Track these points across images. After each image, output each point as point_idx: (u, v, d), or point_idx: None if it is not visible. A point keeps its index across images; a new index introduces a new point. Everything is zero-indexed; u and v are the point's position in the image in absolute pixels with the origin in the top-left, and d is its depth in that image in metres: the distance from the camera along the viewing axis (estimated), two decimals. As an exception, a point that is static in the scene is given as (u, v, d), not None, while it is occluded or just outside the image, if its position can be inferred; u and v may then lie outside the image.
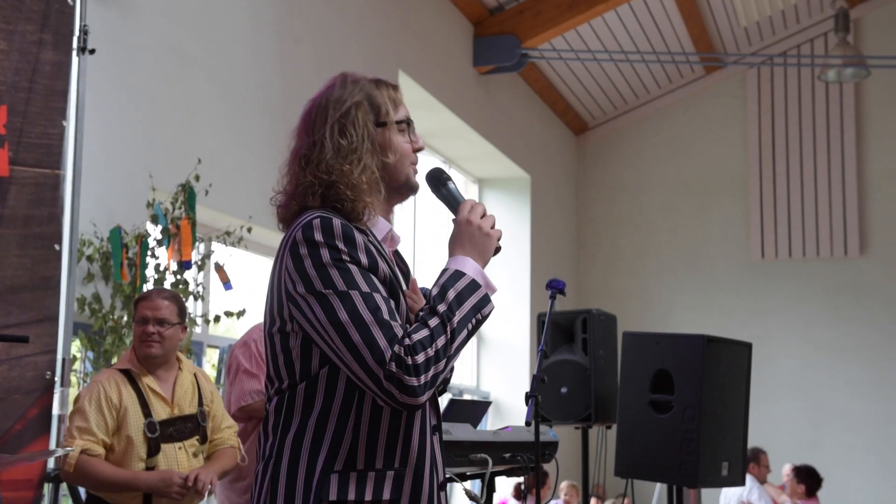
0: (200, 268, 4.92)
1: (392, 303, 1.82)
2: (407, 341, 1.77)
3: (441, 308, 1.81)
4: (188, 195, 4.68)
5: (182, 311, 3.65)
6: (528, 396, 3.40)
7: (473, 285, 1.86)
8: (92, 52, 4.05)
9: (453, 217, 1.95)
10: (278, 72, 6.04)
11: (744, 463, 4.33)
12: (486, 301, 1.86)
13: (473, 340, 9.90)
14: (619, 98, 11.08)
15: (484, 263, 1.91)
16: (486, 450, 3.37)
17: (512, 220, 10.07)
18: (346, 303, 1.77)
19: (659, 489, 8.09)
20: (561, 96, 10.59)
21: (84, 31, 4.03)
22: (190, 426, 3.55)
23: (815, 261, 10.62)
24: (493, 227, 1.93)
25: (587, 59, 9.75)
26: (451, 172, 9.74)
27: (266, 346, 1.91)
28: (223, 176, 5.25)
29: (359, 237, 1.83)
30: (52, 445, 3.75)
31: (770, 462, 8.18)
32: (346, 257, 1.80)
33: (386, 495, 1.82)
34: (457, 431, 3.24)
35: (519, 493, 7.88)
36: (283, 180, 1.97)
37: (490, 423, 9.26)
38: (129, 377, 3.54)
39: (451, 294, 1.82)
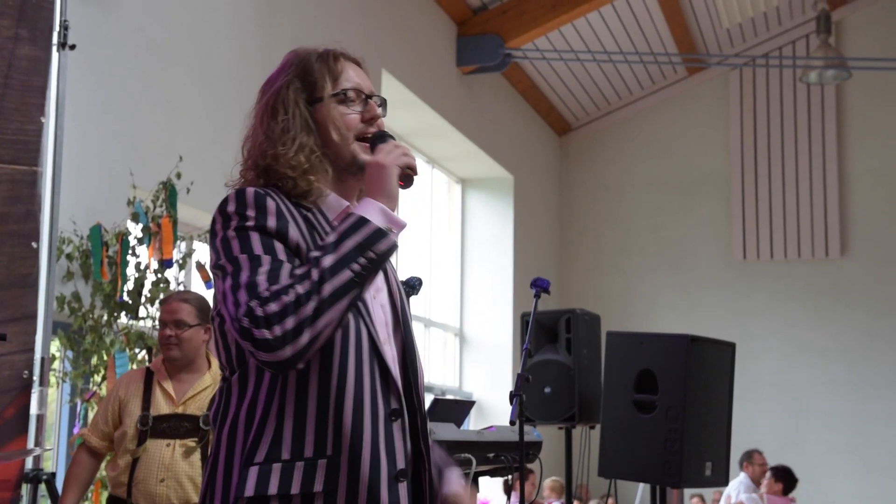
0: (182, 266, 4.87)
1: (288, 266, 1.66)
2: (264, 293, 1.61)
3: (313, 254, 1.65)
4: (169, 193, 4.63)
5: (203, 311, 3.61)
6: (512, 395, 3.38)
7: (360, 222, 1.67)
8: (72, 47, 4.00)
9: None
10: (260, 69, 5.99)
11: (727, 462, 4.33)
12: (377, 237, 1.66)
13: (454, 340, 9.89)
14: (602, 99, 11.08)
15: (388, 200, 1.72)
16: (470, 449, 3.35)
17: (495, 219, 10.06)
18: (234, 269, 1.65)
19: (642, 489, 8.09)
20: (544, 96, 10.59)
21: (64, 27, 3.97)
22: (187, 426, 3.52)
23: (796, 262, 10.66)
24: (400, 156, 1.75)
25: (570, 59, 9.75)
26: (434, 172, 9.75)
27: None
28: (204, 174, 5.20)
29: (271, 203, 1.70)
30: (31, 445, 3.70)
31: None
32: (250, 223, 1.68)
33: (318, 487, 1.64)
34: (441, 431, 3.22)
35: (507, 488, 7.89)
36: (235, 173, 1.87)
37: (473, 424, 9.24)
38: (148, 375, 3.60)
39: (331, 238, 1.66)
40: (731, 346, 4.36)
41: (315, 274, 1.62)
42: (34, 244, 3.79)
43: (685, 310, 10.69)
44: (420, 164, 9.48)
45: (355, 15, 7.20)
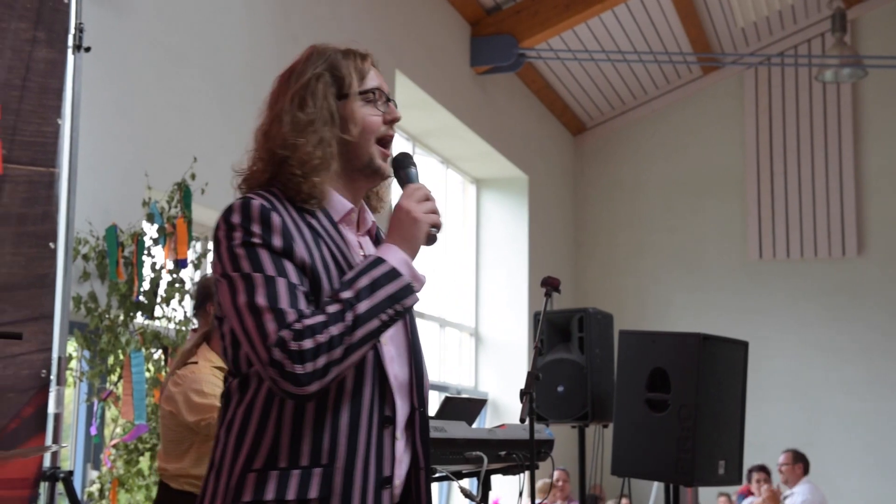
0: (197, 266, 4.91)
1: (300, 289, 1.70)
2: (297, 326, 1.64)
3: (346, 295, 1.68)
4: (184, 193, 4.67)
5: None
6: (522, 393, 3.39)
7: (393, 274, 1.71)
8: (87, 49, 4.03)
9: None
10: (274, 70, 5.97)
11: (740, 461, 4.33)
12: (407, 292, 1.72)
13: (470, 340, 9.90)
14: (617, 98, 11.07)
15: (412, 252, 1.77)
16: (482, 447, 3.36)
17: (509, 220, 10.07)
18: (248, 286, 1.68)
19: (656, 488, 8.09)
20: (558, 96, 10.59)
21: (79, 29, 4.01)
22: None
23: (812, 261, 10.62)
24: (430, 213, 1.79)
25: (584, 59, 9.74)
26: (449, 173, 9.76)
27: None
28: (219, 175, 5.21)
29: (276, 219, 1.72)
30: (49, 443, 3.74)
31: (767, 463, 8.32)
32: (257, 240, 1.70)
33: (313, 493, 1.68)
34: (452, 429, 3.23)
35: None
36: (244, 160, 1.89)
37: (488, 423, 9.25)
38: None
39: (364, 281, 1.69)
40: (744, 345, 4.35)
41: (349, 318, 1.66)
42: (51, 245, 3.83)
43: (699, 309, 10.66)
44: (434, 164, 9.47)
45: (369, 16, 7.22)
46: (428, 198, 1.80)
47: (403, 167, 1.86)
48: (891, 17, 10.69)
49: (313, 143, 1.78)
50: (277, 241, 1.71)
